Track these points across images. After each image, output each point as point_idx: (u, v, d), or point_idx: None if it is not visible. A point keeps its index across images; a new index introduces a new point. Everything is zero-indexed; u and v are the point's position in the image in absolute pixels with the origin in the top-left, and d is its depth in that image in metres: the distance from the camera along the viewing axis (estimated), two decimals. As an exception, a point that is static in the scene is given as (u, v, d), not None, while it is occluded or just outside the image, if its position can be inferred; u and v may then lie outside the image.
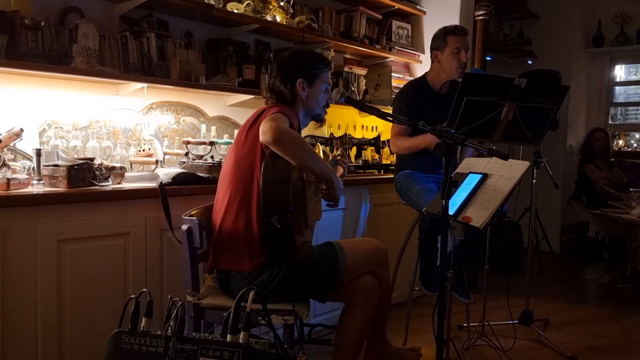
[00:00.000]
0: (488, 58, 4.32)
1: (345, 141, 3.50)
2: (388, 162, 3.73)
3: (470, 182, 2.26)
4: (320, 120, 2.20)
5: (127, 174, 2.30)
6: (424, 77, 3.07)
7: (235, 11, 2.93)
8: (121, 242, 2.11)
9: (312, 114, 2.14)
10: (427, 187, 2.79)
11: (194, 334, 1.34)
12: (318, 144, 3.39)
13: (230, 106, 3.08)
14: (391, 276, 3.14)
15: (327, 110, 2.18)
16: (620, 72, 5.98)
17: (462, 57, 2.89)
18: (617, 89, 5.98)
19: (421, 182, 2.84)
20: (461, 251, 2.72)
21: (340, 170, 2.38)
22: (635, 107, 6.02)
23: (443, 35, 2.92)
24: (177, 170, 2.38)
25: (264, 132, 1.77)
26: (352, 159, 3.57)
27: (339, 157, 2.42)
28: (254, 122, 1.91)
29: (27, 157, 2.25)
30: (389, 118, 2.07)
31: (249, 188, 1.88)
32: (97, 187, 2.08)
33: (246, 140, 1.92)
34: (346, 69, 3.77)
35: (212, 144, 2.62)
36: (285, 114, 1.86)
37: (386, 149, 3.74)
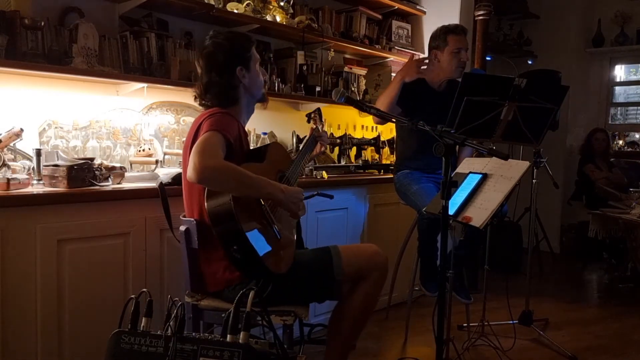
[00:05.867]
0: (488, 58, 4.32)
1: (345, 141, 3.50)
2: (388, 162, 3.73)
3: (470, 182, 2.26)
4: (264, 100, 2.09)
5: (127, 174, 2.30)
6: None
7: (235, 11, 2.93)
8: (121, 242, 2.11)
9: (256, 98, 2.04)
10: (425, 186, 2.78)
11: (193, 334, 1.34)
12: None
13: (230, 106, 3.08)
14: (390, 279, 3.16)
15: (266, 87, 2.05)
16: (620, 72, 5.98)
17: (462, 57, 2.88)
18: (617, 89, 5.98)
19: (420, 181, 2.83)
20: (461, 251, 2.72)
21: (318, 147, 2.28)
22: (635, 107, 6.01)
23: (443, 35, 2.90)
24: (177, 170, 2.37)
25: (189, 170, 1.64)
26: (352, 159, 3.57)
27: (316, 134, 2.28)
28: (195, 136, 1.79)
29: (27, 157, 2.25)
30: (388, 118, 2.07)
31: (203, 213, 1.80)
32: (97, 187, 2.08)
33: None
34: (346, 69, 3.77)
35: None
36: (218, 130, 1.73)
37: (386, 149, 3.74)
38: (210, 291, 1.90)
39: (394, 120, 2.16)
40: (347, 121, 3.89)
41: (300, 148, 2.20)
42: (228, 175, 1.67)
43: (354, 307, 1.95)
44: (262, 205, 1.80)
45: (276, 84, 3.20)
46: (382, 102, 2.82)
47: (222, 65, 1.91)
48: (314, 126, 2.51)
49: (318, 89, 3.43)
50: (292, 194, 1.81)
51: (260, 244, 1.73)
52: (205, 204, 1.71)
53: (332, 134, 3.61)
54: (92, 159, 2.19)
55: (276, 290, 1.82)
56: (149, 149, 2.61)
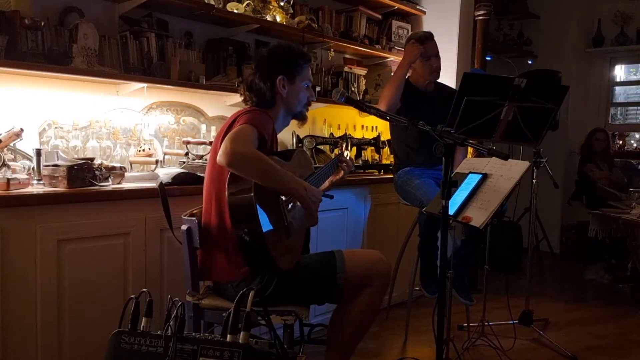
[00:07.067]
0: (488, 58, 4.32)
1: (345, 141, 3.50)
2: (388, 162, 3.73)
3: (470, 182, 2.26)
4: (301, 119, 2.11)
5: (127, 174, 2.30)
6: (407, 78, 3.08)
7: (235, 11, 2.93)
8: (121, 242, 2.11)
9: (293, 113, 2.06)
10: (426, 181, 2.80)
11: (193, 334, 1.34)
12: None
13: (230, 106, 3.08)
14: (390, 284, 3.15)
15: (308, 107, 2.10)
16: (620, 72, 5.98)
17: (432, 63, 2.94)
18: (617, 89, 5.98)
19: (421, 176, 2.86)
20: (462, 251, 2.72)
21: (341, 173, 2.30)
22: (635, 107, 6.02)
23: (410, 46, 2.94)
24: (177, 170, 2.37)
25: (220, 154, 1.69)
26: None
27: (342, 158, 2.31)
28: (229, 128, 1.83)
29: (27, 157, 2.25)
30: (388, 118, 2.07)
31: (223, 198, 1.81)
32: (97, 187, 2.08)
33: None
34: (346, 69, 3.77)
35: (212, 143, 2.62)
36: (254, 125, 1.77)
37: (386, 149, 3.74)
38: (213, 280, 1.91)
39: (393, 120, 2.16)
40: (347, 121, 3.89)
41: (322, 166, 2.22)
42: (256, 162, 1.71)
43: (356, 312, 1.95)
44: (280, 199, 1.82)
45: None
46: (390, 87, 2.88)
47: (266, 70, 1.97)
48: (340, 151, 2.52)
49: (318, 89, 3.43)
50: (313, 193, 1.84)
51: (266, 220, 1.74)
52: (227, 187, 1.74)
53: (332, 134, 3.61)
54: (92, 159, 2.19)
55: (278, 290, 1.82)
56: (149, 149, 2.61)
